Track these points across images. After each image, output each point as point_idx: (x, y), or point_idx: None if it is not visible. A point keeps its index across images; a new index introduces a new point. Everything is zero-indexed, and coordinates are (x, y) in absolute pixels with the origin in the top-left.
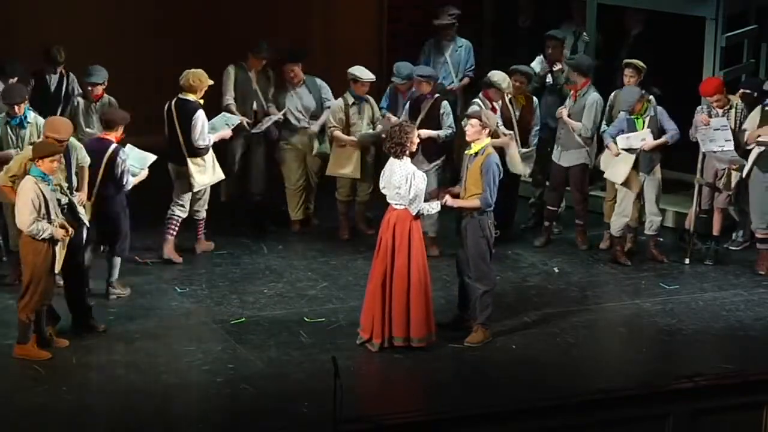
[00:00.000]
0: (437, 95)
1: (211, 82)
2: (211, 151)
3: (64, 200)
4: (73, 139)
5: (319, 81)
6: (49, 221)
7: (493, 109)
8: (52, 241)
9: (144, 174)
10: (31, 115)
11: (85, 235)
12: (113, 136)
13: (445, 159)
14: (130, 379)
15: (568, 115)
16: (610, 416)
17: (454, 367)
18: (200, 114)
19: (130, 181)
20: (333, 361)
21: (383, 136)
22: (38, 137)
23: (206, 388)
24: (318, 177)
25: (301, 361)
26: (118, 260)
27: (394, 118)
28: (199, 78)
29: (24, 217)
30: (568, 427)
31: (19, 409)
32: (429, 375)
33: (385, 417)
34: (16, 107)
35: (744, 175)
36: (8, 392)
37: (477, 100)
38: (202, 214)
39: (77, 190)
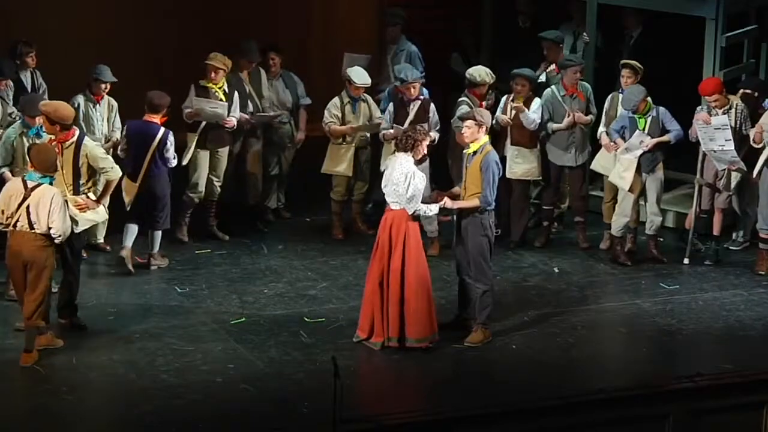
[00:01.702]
0: (423, 97)
1: (212, 62)
2: (195, 138)
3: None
4: (92, 146)
5: (296, 77)
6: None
7: (481, 106)
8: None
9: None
10: None
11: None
12: (158, 118)
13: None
14: (130, 379)
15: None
16: (610, 416)
17: (454, 367)
18: (191, 87)
19: (175, 157)
20: (333, 361)
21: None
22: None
23: (206, 388)
24: (289, 168)
25: (301, 361)
26: (158, 234)
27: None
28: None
29: (65, 225)
30: (568, 427)
31: (19, 409)
32: (429, 375)
33: (386, 417)
34: (37, 118)
35: (755, 175)
36: (8, 392)
37: (464, 98)
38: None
39: (96, 198)
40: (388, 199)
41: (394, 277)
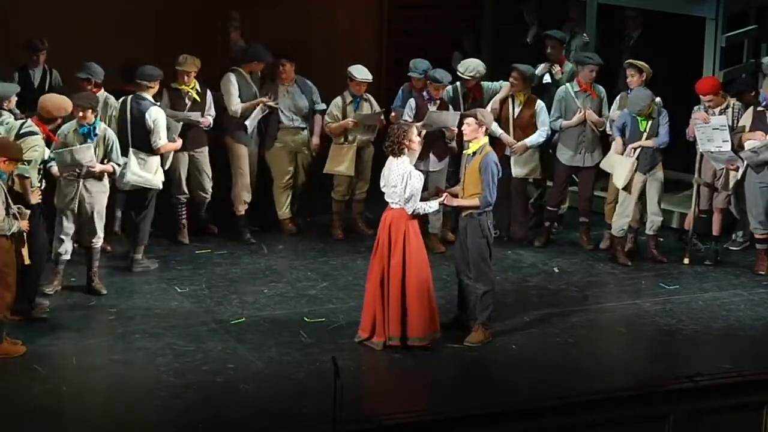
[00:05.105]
0: (441, 98)
1: (183, 67)
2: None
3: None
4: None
5: (309, 82)
6: (7, 214)
7: (469, 95)
8: (15, 234)
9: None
10: (101, 127)
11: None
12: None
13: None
14: (130, 379)
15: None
16: (610, 416)
17: (454, 367)
18: (164, 91)
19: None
20: (333, 361)
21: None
22: (105, 150)
23: (206, 388)
24: (307, 176)
25: (301, 361)
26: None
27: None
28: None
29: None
30: (568, 427)
31: (19, 409)
32: (429, 375)
33: (386, 417)
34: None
35: (739, 177)
36: (8, 392)
37: (454, 85)
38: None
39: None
40: (387, 198)
41: (394, 276)
